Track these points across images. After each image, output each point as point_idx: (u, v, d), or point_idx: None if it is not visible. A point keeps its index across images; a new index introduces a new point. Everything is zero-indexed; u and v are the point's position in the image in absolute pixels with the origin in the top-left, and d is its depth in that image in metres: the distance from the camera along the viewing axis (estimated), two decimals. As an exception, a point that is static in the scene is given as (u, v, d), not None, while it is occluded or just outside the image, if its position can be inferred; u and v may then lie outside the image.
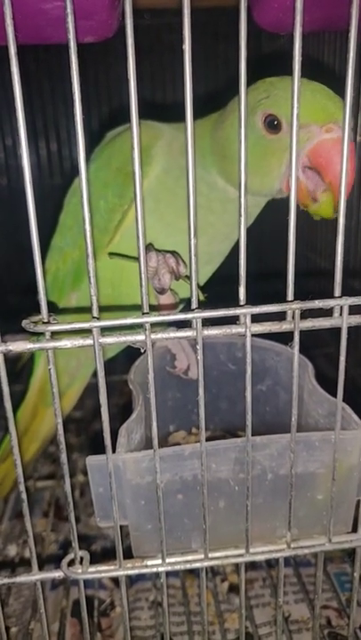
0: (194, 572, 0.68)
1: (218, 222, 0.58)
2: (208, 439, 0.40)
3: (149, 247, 0.56)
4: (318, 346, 0.88)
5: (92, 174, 0.61)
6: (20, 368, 0.76)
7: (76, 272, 0.63)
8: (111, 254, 0.58)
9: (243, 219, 0.36)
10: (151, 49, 1.13)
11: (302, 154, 0.48)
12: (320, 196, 0.49)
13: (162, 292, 0.55)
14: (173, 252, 0.56)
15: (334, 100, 0.49)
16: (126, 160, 0.60)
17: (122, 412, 0.55)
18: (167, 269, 0.54)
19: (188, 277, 0.55)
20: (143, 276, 0.36)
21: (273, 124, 0.49)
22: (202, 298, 0.56)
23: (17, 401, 0.74)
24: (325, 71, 0.95)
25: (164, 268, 0.54)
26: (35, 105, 1.17)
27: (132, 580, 0.69)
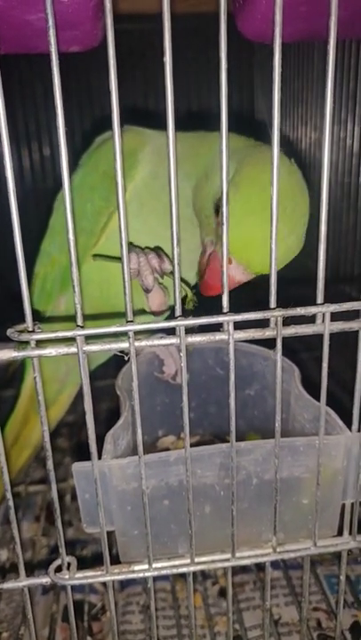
0: (184, 576, 0.68)
1: (197, 234, 0.59)
2: (197, 444, 0.41)
3: (131, 247, 0.57)
4: (308, 349, 0.89)
5: (80, 179, 0.62)
6: (11, 374, 0.76)
7: (63, 276, 0.64)
8: (95, 256, 0.58)
9: (225, 227, 0.36)
10: (144, 54, 1.13)
11: (212, 247, 0.54)
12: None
13: (148, 290, 0.56)
14: (157, 249, 0.57)
15: (264, 249, 0.46)
16: (112, 164, 0.60)
17: (113, 416, 0.56)
18: (149, 271, 0.55)
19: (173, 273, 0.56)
20: (127, 284, 0.36)
21: (217, 211, 0.53)
22: (189, 305, 0.57)
23: (8, 407, 0.74)
24: (312, 80, 0.96)
25: (146, 270, 0.55)
26: (28, 108, 1.17)
27: (122, 585, 0.69)
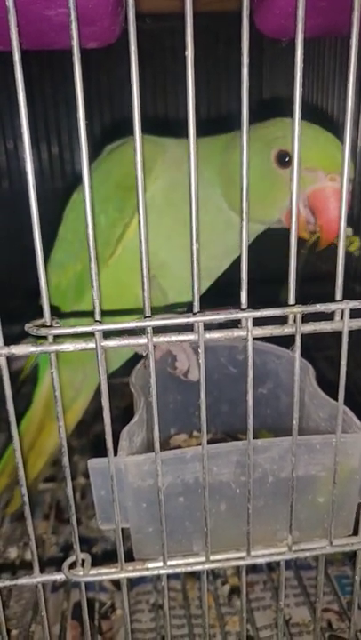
0: (195, 575, 0.68)
1: (219, 241, 0.59)
2: (209, 442, 0.41)
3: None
4: (320, 348, 0.88)
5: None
6: (23, 381, 0.75)
7: (77, 285, 0.64)
8: None
9: (245, 223, 0.36)
10: (153, 53, 1.13)
11: (304, 194, 0.52)
12: (310, 233, 0.54)
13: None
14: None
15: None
16: (125, 174, 0.60)
17: (123, 414, 0.55)
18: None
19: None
20: (145, 279, 0.36)
21: (284, 160, 0.52)
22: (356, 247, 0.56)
23: (20, 405, 0.73)
24: (323, 78, 0.96)
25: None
26: (37, 107, 1.17)
27: (132, 583, 0.69)
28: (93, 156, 0.68)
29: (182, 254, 0.58)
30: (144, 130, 0.65)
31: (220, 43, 1.14)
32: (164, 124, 0.65)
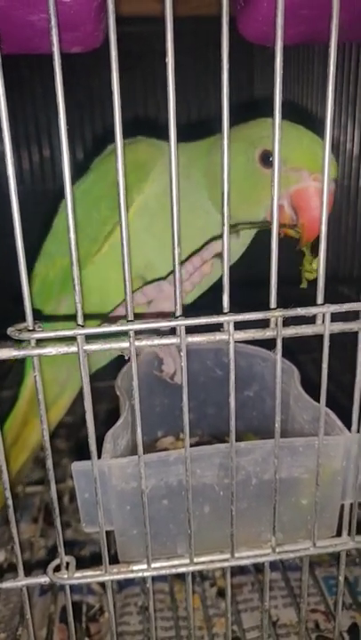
0: (182, 577, 0.68)
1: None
2: (196, 444, 0.41)
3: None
4: (306, 351, 0.89)
5: (88, 185, 0.62)
6: (6, 373, 0.75)
7: (64, 278, 0.64)
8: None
9: (225, 221, 0.36)
10: (142, 56, 1.13)
11: (288, 193, 0.52)
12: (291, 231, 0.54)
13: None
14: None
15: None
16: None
17: (111, 417, 0.56)
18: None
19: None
20: (128, 283, 0.37)
21: (268, 160, 0.53)
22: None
23: (6, 408, 0.73)
24: (312, 84, 0.97)
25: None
26: (27, 110, 1.17)
27: (120, 585, 0.69)
28: (85, 160, 0.68)
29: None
30: (137, 132, 0.65)
31: (210, 45, 1.15)
32: (155, 126, 0.65)
